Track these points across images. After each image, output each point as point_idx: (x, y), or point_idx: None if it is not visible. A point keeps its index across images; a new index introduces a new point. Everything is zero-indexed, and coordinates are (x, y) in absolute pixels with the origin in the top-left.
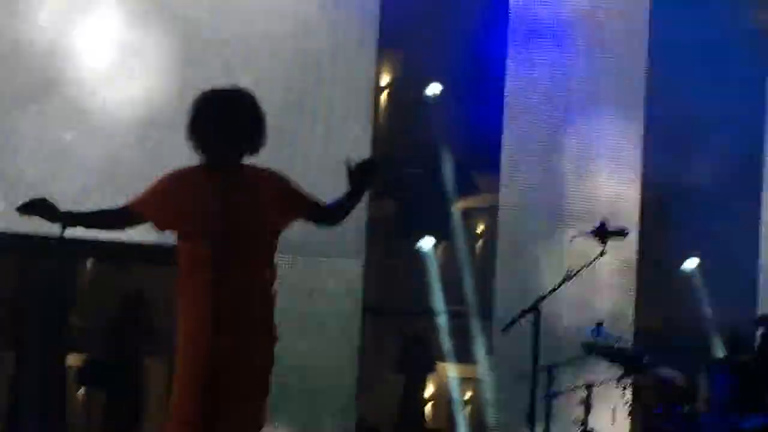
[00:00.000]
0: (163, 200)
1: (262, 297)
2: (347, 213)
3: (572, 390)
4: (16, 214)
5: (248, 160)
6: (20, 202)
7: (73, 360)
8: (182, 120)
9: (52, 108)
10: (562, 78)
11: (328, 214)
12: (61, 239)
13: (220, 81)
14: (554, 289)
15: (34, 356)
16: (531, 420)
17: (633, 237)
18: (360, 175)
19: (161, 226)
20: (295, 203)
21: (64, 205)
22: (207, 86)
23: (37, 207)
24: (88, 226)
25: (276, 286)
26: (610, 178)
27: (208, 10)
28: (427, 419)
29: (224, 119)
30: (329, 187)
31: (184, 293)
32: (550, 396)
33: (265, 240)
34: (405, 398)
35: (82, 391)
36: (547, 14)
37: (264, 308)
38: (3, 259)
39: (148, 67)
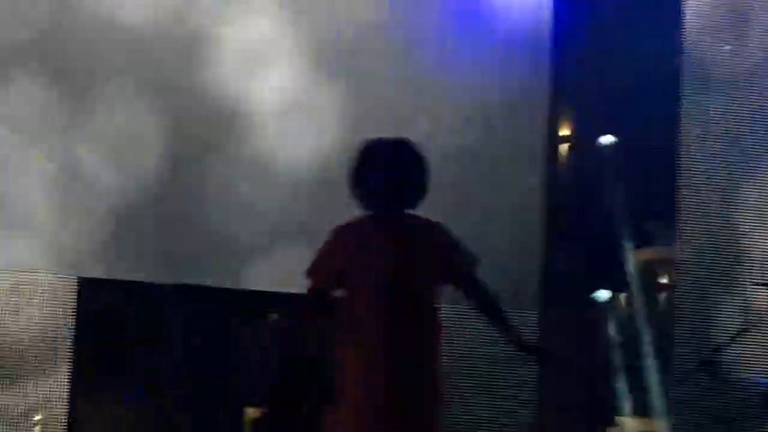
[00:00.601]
0: (333, 261)
1: (428, 349)
2: (493, 324)
3: None
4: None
5: (414, 211)
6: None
7: (252, 413)
8: None
9: (235, 158)
10: (739, 129)
11: (482, 298)
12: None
13: (394, 133)
14: (732, 340)
15: (214, 409)
16: None
17: None
18: (530, 353)
19: (337, 285)
20: (454, 265)
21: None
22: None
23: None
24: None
25: (440, 337)
26: None
27: (383, 62)
28: None
29: (388, 168)
30: (501, 239)
31: (347, 347)
32: None
33: (430, 291)
34: None
35: None
36: (722, 64)
37: (429, 360)
38: (185, 314)
39: (323, 121)
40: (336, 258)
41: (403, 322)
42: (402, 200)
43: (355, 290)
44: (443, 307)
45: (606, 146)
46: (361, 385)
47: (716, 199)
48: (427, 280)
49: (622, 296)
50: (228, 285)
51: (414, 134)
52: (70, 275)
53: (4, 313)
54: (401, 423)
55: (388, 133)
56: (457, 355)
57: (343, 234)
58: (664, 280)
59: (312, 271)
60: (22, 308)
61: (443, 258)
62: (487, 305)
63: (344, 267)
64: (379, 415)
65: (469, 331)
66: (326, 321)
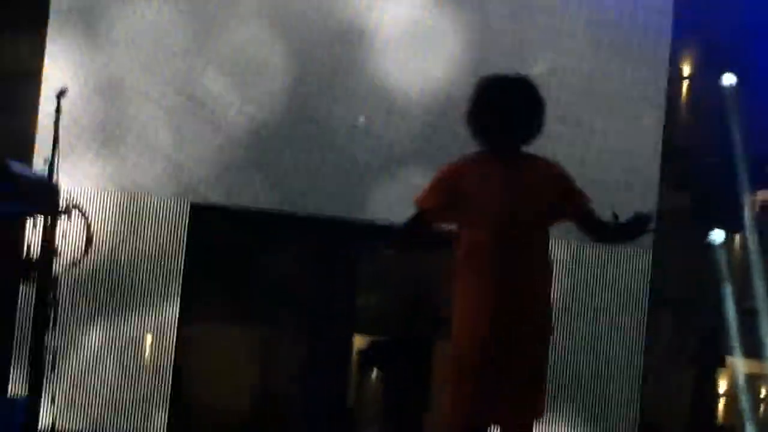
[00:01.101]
0: (446, 189)
1: (539, 285)
2: (611, 242)
3: None
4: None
5: (529, 148)
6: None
7: (359, 342)
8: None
9: (347, 88)
10: None
11: (597, 228)
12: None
13: (514, 69)
14: None
15: (322, 337)
16: None
17: None
18: (634, 227)
19: (446, 219)
20: (572, 202)
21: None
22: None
23: None
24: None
25: (551, 272)
26: None
27: None
28: (716, 415)
29: (505, 106)
30: (617, 178)
31: (461, 280)
32: None
33: (543, 229)
34: (693, 393)
35: (368, 373)
36: None
37: (539, 297)
38: (297, 242)
39: (441, 52)
40: (448, 190)
41: (516, 257)
42: (517, 138)
43: (467, 224)
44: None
45: (727, 86)
46: (472, 318)
47: None
48: (542, 216)
49: (738, 237)
50: (342, 214)
51: (533, 68)
52: (184, 199)
53: (121, 234)
54: (506, 358)
55: (509, 65)
56: (564, 297)
57: (457, 168)
58: None
59: (422, 200)
60: (137, 230)
61: (559, 194)
62: (604, 235)
63: (456, 200)
64: (485, 348)
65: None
66: (427, 247)
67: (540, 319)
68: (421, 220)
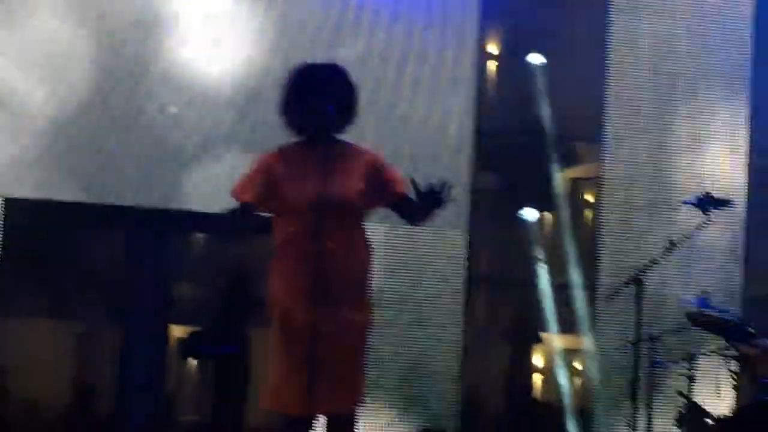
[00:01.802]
0: (262, 180)
1: (356, 271)
2: (422, 219)
3: (675, 361)
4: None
5: (343, 134)
6: None
7: (177, 332)
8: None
9: (153, 78)
10: (667, 50)
11: (411, 211)
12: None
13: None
14: (657, 260)
15: (140, 329)
16: (634, 391)
17: (740, 208)
18: (430, 197)
19: (265, 209)
20: (386, 188)
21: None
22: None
23: None
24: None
25: (370, 258)
26: (717, 148)
27: None
28: (533, 389)
29: (317, 94)
30: (430, 160)
31: (277, 268)
32: (654, 367)
33: (359, 215)
34: (510, 368)
35: (186, 363)
36: None
37: (357, 282)
38: (108, 232)
39: (249, 39)
40: (263, 181)
41: (332, 245)
42: (330, 126)
43: (283, 214)
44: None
45: (534, 65)
46: (289, 308)
47: (643, 119)
48: (357, 203)
49: (549, 215)
50: (156, 204)
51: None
52: None
53: None
54: (324, 347)
55: (318, 53)
56: (385, 278)
57: (271, 158)
58: (589, 199)
59: (239, 190)
60: None
61: (374, 180)
62: (414, 215)
63: (272, 191)
64: (303, 338)
65: (395, 252)
66: (249, 237)
67: (358, 306)
68: (241, 212)
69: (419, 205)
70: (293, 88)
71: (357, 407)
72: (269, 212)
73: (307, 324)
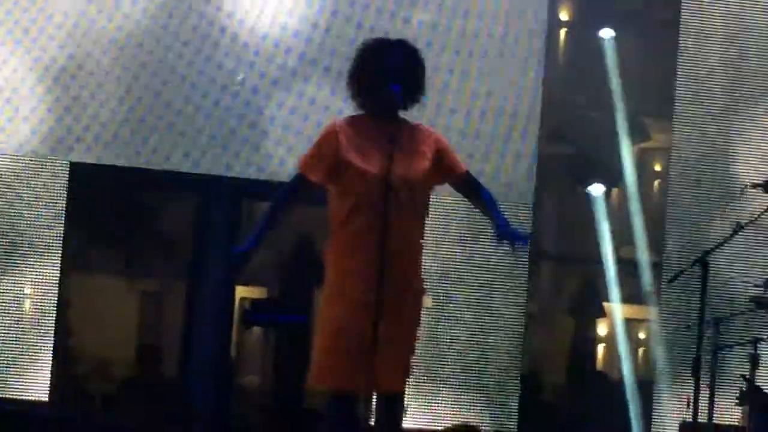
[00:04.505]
0: (327, 154)
1: (414, 247)
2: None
3: (739, 344)
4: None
5: (409, 110)
6: None
7: (243, 293)
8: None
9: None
10: (737, 29)
11: (474, 191)
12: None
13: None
14: (723, 242)
15: (207, 288)
16: (696, 371)
17: None
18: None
19: (327, 183)
20: (449, 167)
21: None
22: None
23: None
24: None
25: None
26: None
27: None
28: (597, 360)
29: (383, 71)
30: (496, 132)
31: (338, 243)
32: (717, 349)
33: (422, 194)
34: (575, 339)
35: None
36: None
37: (416, 259)
38: (181, 198)
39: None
40: (330, 151)
41: (397, 222)
42: (397, 104)
43: (347, 189)
44: None
45: (606, 39)
46: (348, 284)
47: (714, 97)
48: (421, 181)
49: (616, 190)
50: (216, 172)
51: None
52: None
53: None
54: (384, 325)
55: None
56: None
57: (338, 130)
58: (658, 174)
59: (304, 163)
60: (20, 192)
61: (438, 161)
62: (481, 200)
63: (337, 162)
64: (361, 315)
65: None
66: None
67: (416, 284)
68: (301, 181)
69: (491, 210)
70: (360, 64)
71: (405, 385)
72: (333, 186)
73: (366, 302)
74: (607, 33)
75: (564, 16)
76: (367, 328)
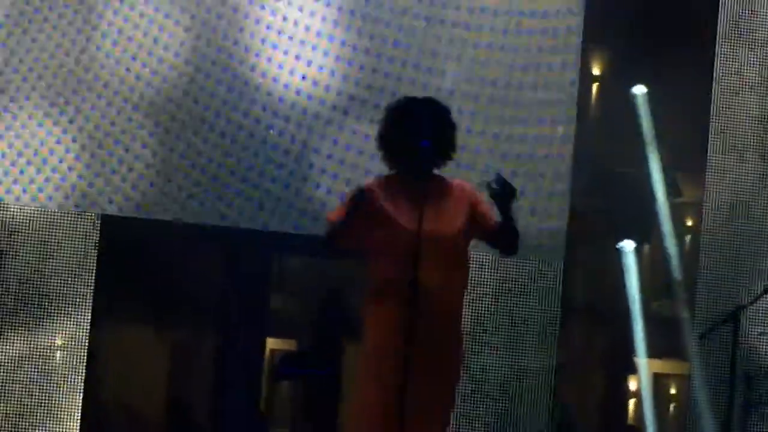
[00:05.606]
0: (357, 215)
1: (453, 307)
2: (514, 235)
3: None
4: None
5: (441, 167)
6: None
7: (273, 344)
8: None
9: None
10: None
11: (506, 239)
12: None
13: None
14: (755, 299)
15: (237, 340)
16: (728, 427)
17: None
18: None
19: (359, 244)
20: (480, 223)
21: None
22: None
23: None
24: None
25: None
26: None
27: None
28: (628, 416)
29: (413, 129)
30: (531, 189)
31: (374, 308)
32: (748, 408)
33: (460, 249)
34: (606, 395)
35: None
36: (759, 14)
37: (454, 318)
38: (213, 249)
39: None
40: (361, 211)
41: (432, 284)
42: (427, 161)
43: (380, 248)
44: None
45: (638, 95)
46: (383, 335)
47: (747, 153)
48: (457, 237)
49: (647, 246)
50: (248, 226)
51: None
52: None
53: (32, 250)
54: (418, 389)
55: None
56: (479, 304)
57: (370, 189)
58: (690, 229)
59: (336, 218)
60: (48, 245)
61: (472, 216)
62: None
63: (368, 221)
64: (397, 366)
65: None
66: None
67: (454, 344)
68: (334, 236)
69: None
70: (390, 122)
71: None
72: (363, 248)
73: (402, 366)
74: (639, 89)
75: (596, 70)
76: (402, 393)
